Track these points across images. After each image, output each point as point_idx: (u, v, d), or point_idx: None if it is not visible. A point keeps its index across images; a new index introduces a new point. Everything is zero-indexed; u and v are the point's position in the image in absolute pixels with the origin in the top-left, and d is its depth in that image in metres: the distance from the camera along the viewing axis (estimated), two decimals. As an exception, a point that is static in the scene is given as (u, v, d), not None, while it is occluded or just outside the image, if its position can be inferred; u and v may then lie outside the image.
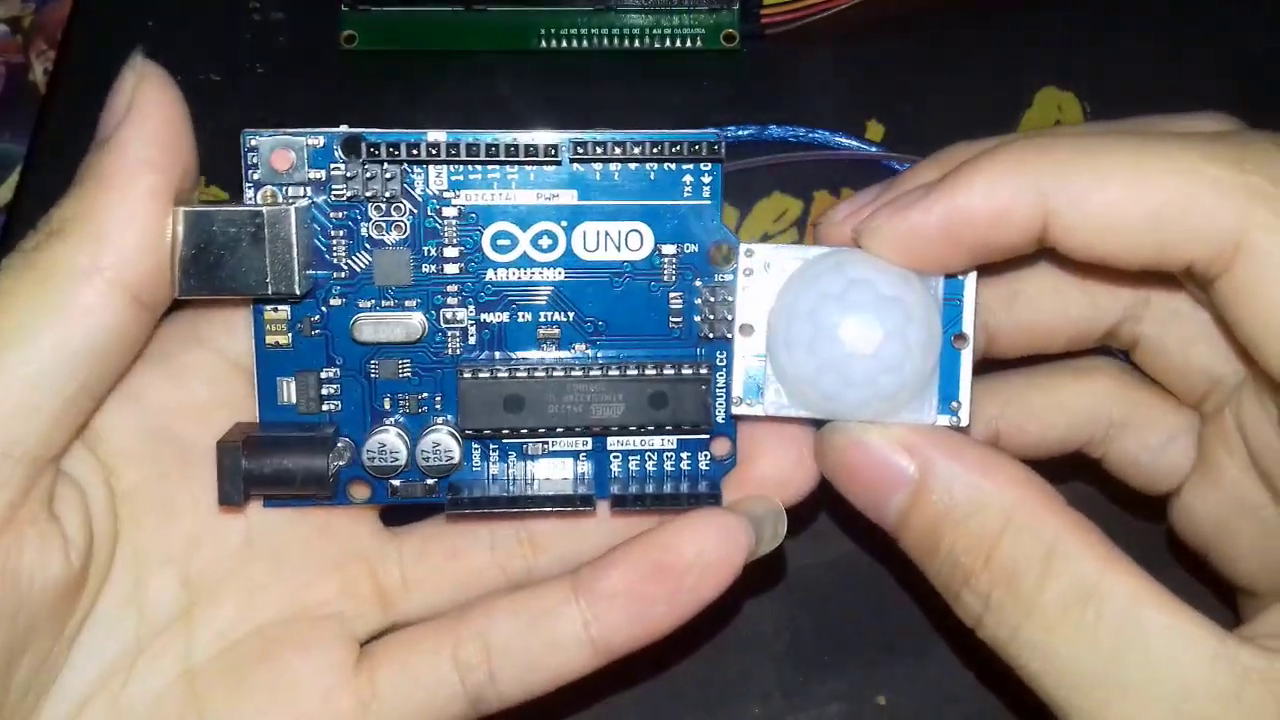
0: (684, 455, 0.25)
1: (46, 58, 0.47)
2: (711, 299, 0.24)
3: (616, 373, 0.24)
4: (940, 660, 0.33)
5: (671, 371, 0.24)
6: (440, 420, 0.24)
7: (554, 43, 0.39)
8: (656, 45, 0.39)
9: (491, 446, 0.25)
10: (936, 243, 0.22)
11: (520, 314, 0.24)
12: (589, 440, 0.25)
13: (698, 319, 0.24)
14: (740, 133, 0.38)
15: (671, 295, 0.24)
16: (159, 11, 0.40)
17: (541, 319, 0.24)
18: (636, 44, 0.39)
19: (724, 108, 0.39)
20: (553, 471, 0.24)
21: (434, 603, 0.25)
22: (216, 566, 0.25)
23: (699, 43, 0.39)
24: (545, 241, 0.24)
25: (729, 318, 0.24)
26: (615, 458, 0.25)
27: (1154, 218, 0.21)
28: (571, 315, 0.24)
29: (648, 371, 0.24)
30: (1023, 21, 0.40)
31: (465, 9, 0.39)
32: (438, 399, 0.24)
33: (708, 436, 0.25)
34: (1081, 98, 0.39)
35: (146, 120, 0.22)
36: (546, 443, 0.25)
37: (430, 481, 0.25)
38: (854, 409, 0.23)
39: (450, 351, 0.24)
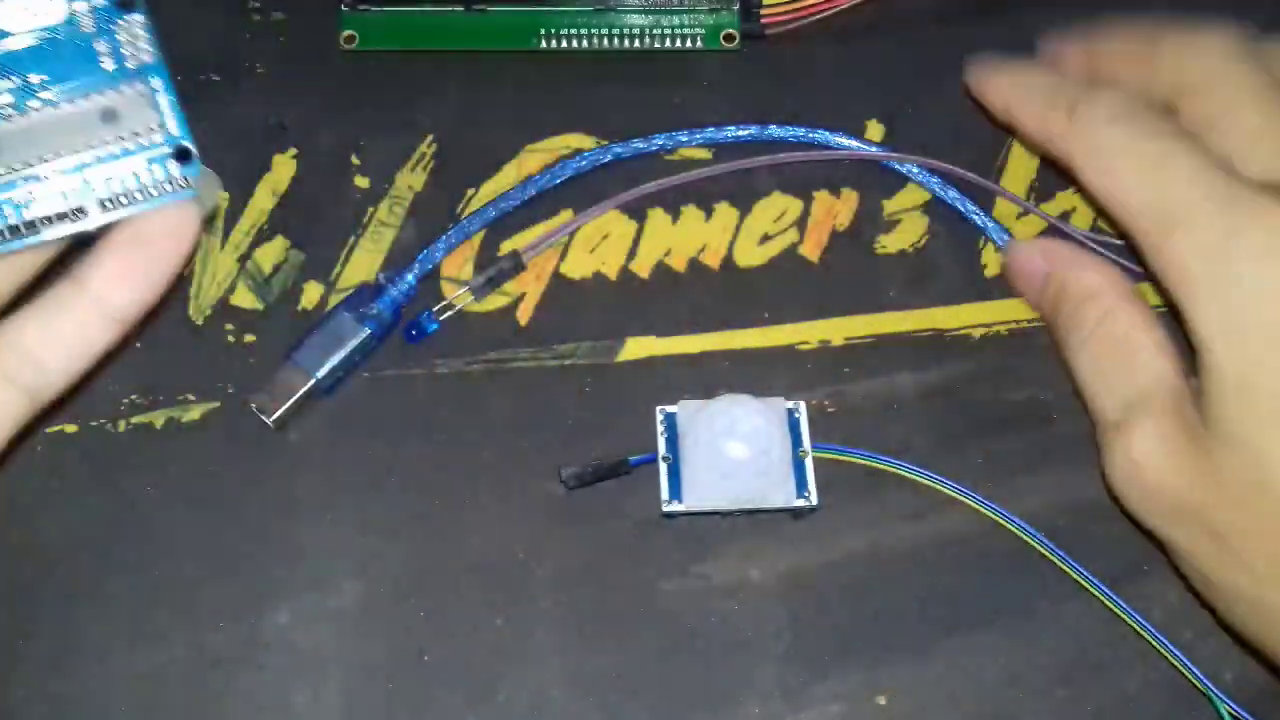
0: (154, 167, 0.27)
1: (46, 57, 0.47)
2: (128, 36, 0.27)
3: (69, 105, 0.27)
4: (940, 660, 0.33)
5: (113, 92, 0.27)
6: None
7: (554, 43, 0.39)
8: (656, 45, 0.39)
9: None
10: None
11: None
12: (76, 179, 0.27)
13: (124, 55, 0.27)
14: (740, 133, 0.38)
15: (95, 43, 0.27)
16: (159, 11, 0.40)
17: None
18: (636, 44, 0.39)
19: (724, 108, 0.39)
20: (49, 209, 0.27)
21: None
22: None
23: (699, 43, 0.39)
24: None
25: (142, 50, 0.27)
26: (98, 186, 0.27)
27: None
28: (17, 80, 0.27)
29: (93, 97, 0.27)
30: (1023, 21, 0.40)
31: (465, 9, 0.39)
32: None
33: (165, 143, 0.27)
34: (1081, 98, 0.39)
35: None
36: (33, 190, 0.27)
37: None
38: (741, 488, 0.33)
39: None
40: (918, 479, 0.34)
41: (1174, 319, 0.30)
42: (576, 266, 0.37)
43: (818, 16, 0.40)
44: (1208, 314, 0.27)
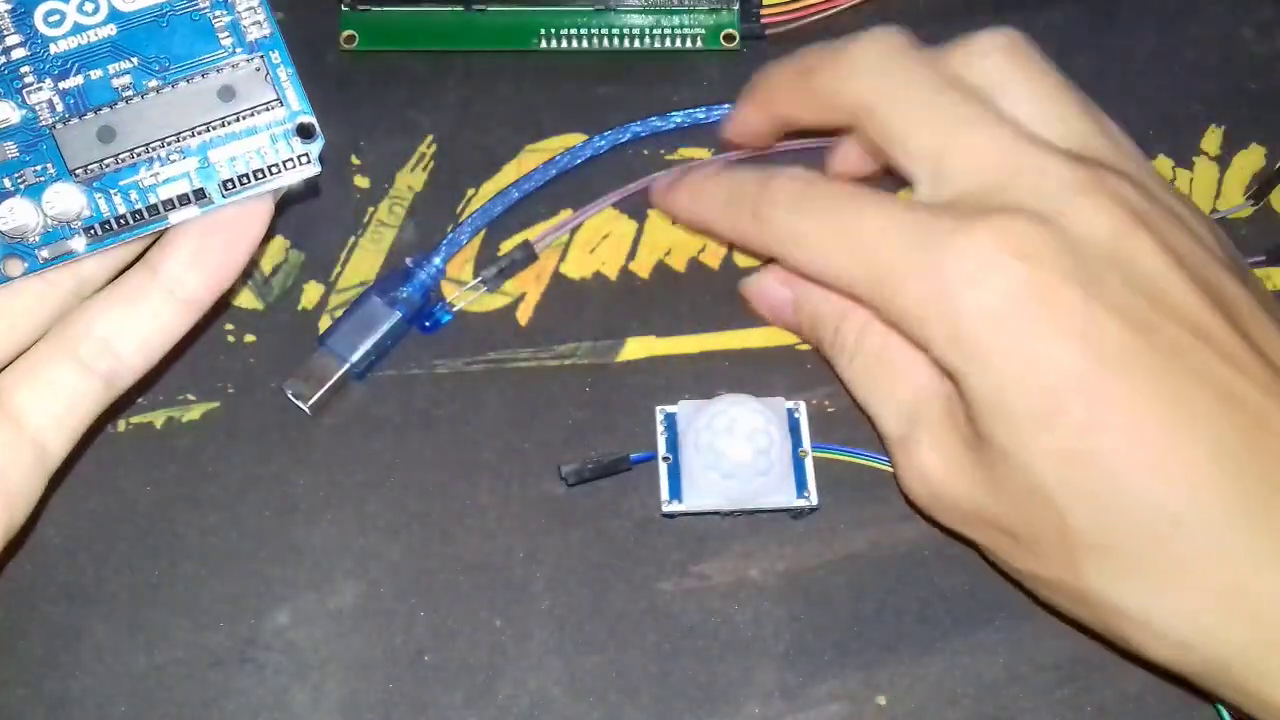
0: (278, 144, 0.27)
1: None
2: (245, 9, 0.27)
3: (185, 84, 0.26)
4: (940, 660, 0.33)
5: (230, 68, 0.27)
6: (56, 182, 0.27)
7: (554, 43, 0.39)
8: (656, 45, 0.39)
9: (111, 190, 0.27)
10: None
11: (92, 72, 0.27)
12: (195, 160, 0.27)
13: (241, 27, 0.27)
14: None
15: (213, 16, 0.27)
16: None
17: (112, 71, 0.27)
18: (636, 44, 0.39)
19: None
20: (171, 192, 0.27)
21: (14, 336, 0.27)
22: None
23: (699, 43, 0.39)
24: (89, 6, 0.27)
25: (260, 20, 0.27)
26: (221, 167, 0.27)
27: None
28: (136, 60, 0.27)
29: (210, 75, 0.27)
30: (1023, 21, 0.40)
31: (465, 9, 0.39)
32: (49, 167, 0.27)
33: (287, 119, 0.27)
34: (1081, 98, 0.39)
35: None
36: (156, 173, 0.27)
37: (76, 241, 0.27)
38: (741, 488, 0.33)
39: (44, 123, 0.26)
40: (918, 479, 0.34)
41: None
42: (576, 266, 0.37)
43: (818, 16, 0.40)
44: (947, 351, 0.28)
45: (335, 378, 0.34)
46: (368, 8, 0.39)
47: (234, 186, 0.27)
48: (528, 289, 0.37)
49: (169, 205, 0.27)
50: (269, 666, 0.32)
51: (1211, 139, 0.39)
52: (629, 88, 0.39)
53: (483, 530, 0.34)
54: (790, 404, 0.34)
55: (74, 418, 0.27)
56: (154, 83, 0.27)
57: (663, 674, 0.32)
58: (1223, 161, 0.39)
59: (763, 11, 0.39)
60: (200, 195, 0.27)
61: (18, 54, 0.26)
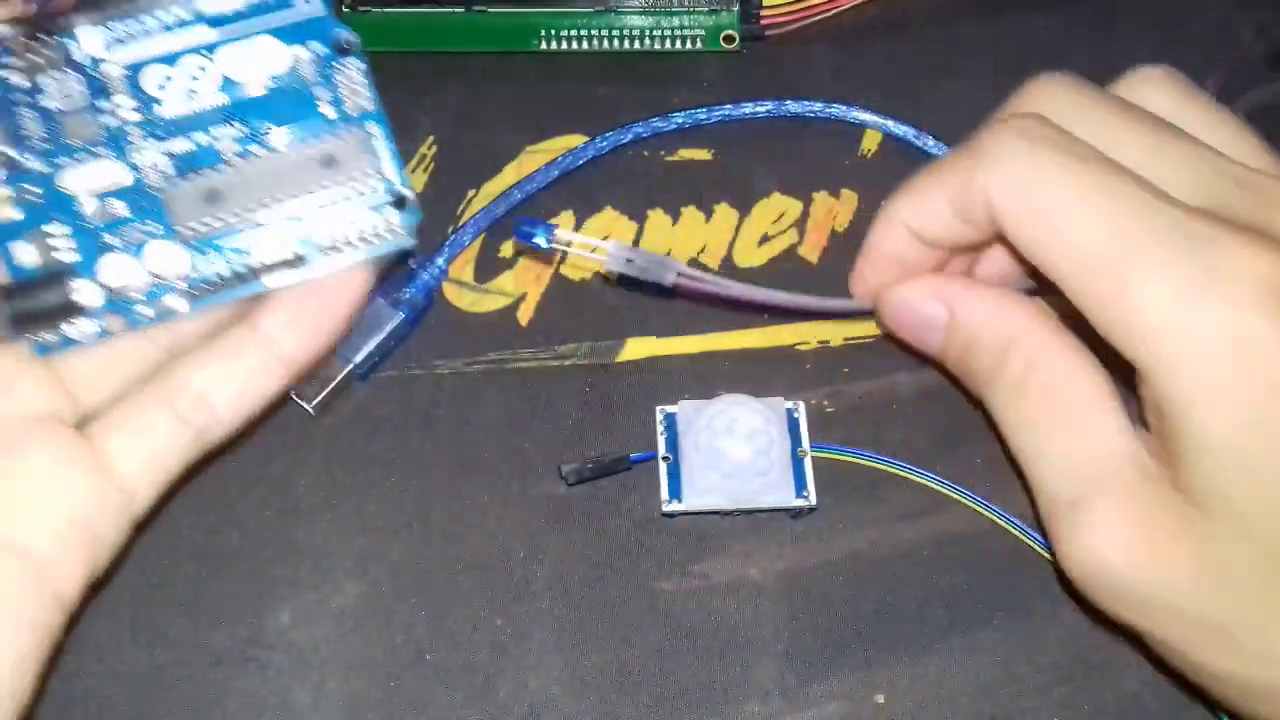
0: (374, 214, 0.28)
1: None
2: (348, 83, 0.28)
3: (290, 152, 0.27)
4: (939, 659, 0.33)
5: (333, 139, 0.27)
6: (161, 241, 0.27)
7: (554, 43, 0.39)
8: (656, 46, 0.39)
9: (213, 251, 0.27)
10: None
11: (200, 136, 0.27)
12: (295, 226, 0.27)
13: (344, 100, 0.28)
14: (757, 109, 0.38)
15: (316, 89, 0.28)
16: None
17: (219, 136, 0.27)
18: (636, 44, 0.39)
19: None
20: (271, 256, 0.28)
21: (111, 385, 0.28)
22: None
23: (699, 43, 0.39)
24: (199, 73, 0.27)
25: (360, 96, 0.28)
26: (319, 234, 0.28)
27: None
28: (243, 127, 0.27)
29: (313, 144, 0.27)
30: (1023, 21, 0.40)
31: (465, 10, 0.39)
32: (155, 226, 0.27)
33: (384, 191, 0.28)
34: (1081, 98, 0.39)
35: None
36: (257, 237, 0.27)
37: (176, 300, 0.27)
38: (740, 488, 0.33)
39: (151, 184, 0.27)
40: (917, 479, 0.34)
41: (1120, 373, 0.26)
42: (576, 267, 0.37)
43: (818, 17, 0.40)
44: (1183, 374, 0.23)
45: (339, 378, 0.35)
46: (368, 8, 0.39)
47: (330, 253, 0.27)
48: (528, 289, 0.37)
49: (267, 269, 0.27)
50: (270, 666, 0.32)
51: (1211, 139, 0.39)
52: (629, 88, 0.39)
53: (483, 530, 0.34)
54: (790, 404, 0.34)
55: (163, 468, 0.27)
56: (258, 150, 0.27)
57: (663, 673, 0.32)
58: (1222, 162, 0.39)
59: (763, 12, 0.39)
60: (298, 260, 0.27)
61: (129, 116, 0.27)
